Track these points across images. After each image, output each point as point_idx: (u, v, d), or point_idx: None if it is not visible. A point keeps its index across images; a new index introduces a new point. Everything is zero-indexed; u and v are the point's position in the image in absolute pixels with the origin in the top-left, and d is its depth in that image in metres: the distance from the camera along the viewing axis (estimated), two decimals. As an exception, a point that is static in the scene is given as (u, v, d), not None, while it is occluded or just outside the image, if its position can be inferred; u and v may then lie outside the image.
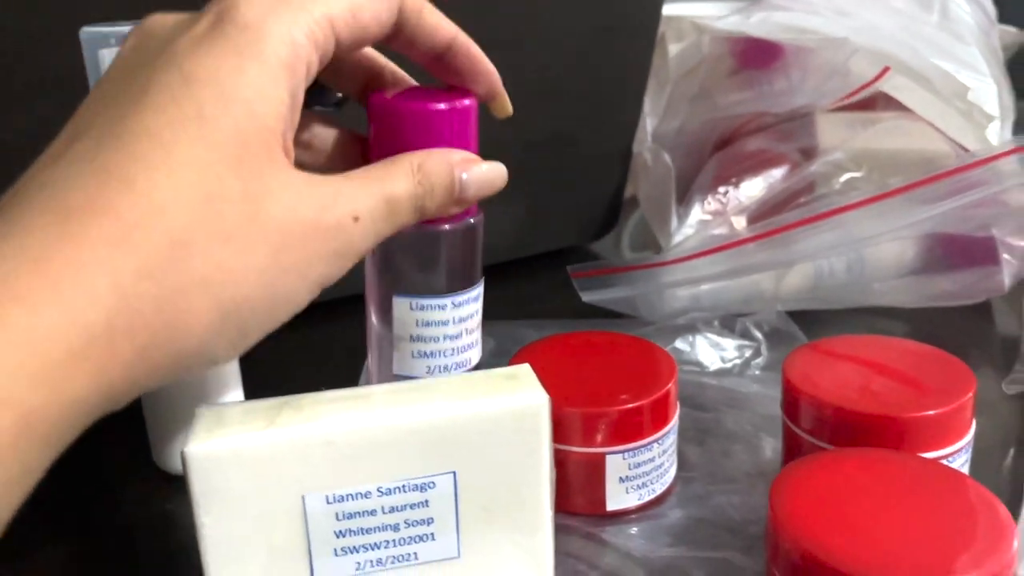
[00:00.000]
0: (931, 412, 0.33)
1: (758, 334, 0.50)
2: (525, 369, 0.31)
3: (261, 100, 0.24)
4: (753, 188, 0.57)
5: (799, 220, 0.47)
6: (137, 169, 0.22)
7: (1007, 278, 0.48)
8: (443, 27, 0.29)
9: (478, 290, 0.35)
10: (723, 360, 0.48)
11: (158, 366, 0.22)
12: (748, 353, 0.49)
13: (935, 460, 0.31)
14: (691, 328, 0.50)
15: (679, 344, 0.49)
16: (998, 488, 0.30)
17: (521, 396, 0.29)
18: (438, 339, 0.36)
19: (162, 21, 0.26)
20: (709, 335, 0.49)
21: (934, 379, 0.35)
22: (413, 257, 0.35)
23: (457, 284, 0.35)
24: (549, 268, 0.60)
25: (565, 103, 0.57)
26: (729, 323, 0.50)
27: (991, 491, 0.28)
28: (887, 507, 0.28)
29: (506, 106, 0.33)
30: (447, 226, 0.33)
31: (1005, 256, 0.48)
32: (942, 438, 0.34)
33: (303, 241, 0.24)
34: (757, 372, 0.47)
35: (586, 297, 0.51)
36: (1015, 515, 0.27)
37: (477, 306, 0.36)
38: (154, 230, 0.22)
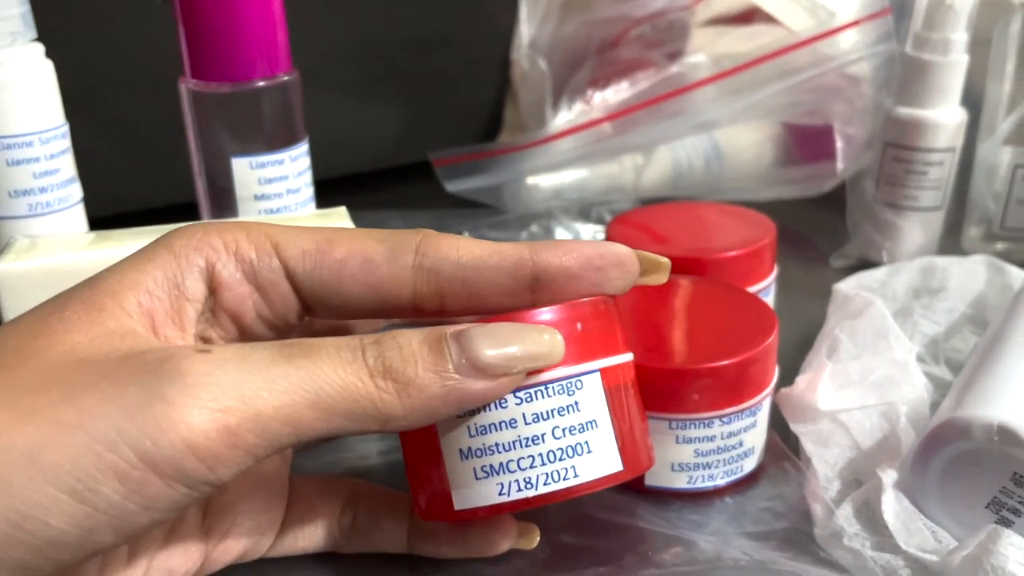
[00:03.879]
0: (731, 254, 0.36)
1: (612, 220, 0.52)
2: (340, 210, 0.33)
3: None
4: (619, 90, 0.59)
5: (645, 101, 0.50)
6: None
7: (840, 163, 0.51)
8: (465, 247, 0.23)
9: (306, 144, 0.37)
10: (576, 242, 0.51)
11: None
12: (602, 236, 0.51)
13: (722, 281, 0.34)
14: (548, 215, 0.52)
15: (535, 228, 0.51)
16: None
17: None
18: (281, 195, 0.37)
19: None
20: (565, 220, 0.52)
21: (738, 230, 0.38)
22: (239, 118, 0.37)
23: (288, 140, 0.37)
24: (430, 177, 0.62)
25: (440, 4, 0.59)
26: (585, 211, 0.53)
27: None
28: (673, 316, 0.31)
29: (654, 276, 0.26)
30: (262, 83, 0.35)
31: (839, 144, 0.51)
32: (743, 278, 0.37)
33: None
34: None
35: (450, 187, 0.53)
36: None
37: (308, 160, 0.38)
38: None
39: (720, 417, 0.29)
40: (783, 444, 0.32)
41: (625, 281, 0.24)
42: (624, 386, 0.24)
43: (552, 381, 0.23)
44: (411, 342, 0.21)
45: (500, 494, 0.22)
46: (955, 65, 0.44)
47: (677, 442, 0.29)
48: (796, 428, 0.31)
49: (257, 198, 0.37)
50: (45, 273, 0.28)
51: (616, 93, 0.60)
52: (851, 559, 0.26)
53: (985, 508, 0.26)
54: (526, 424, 0.22)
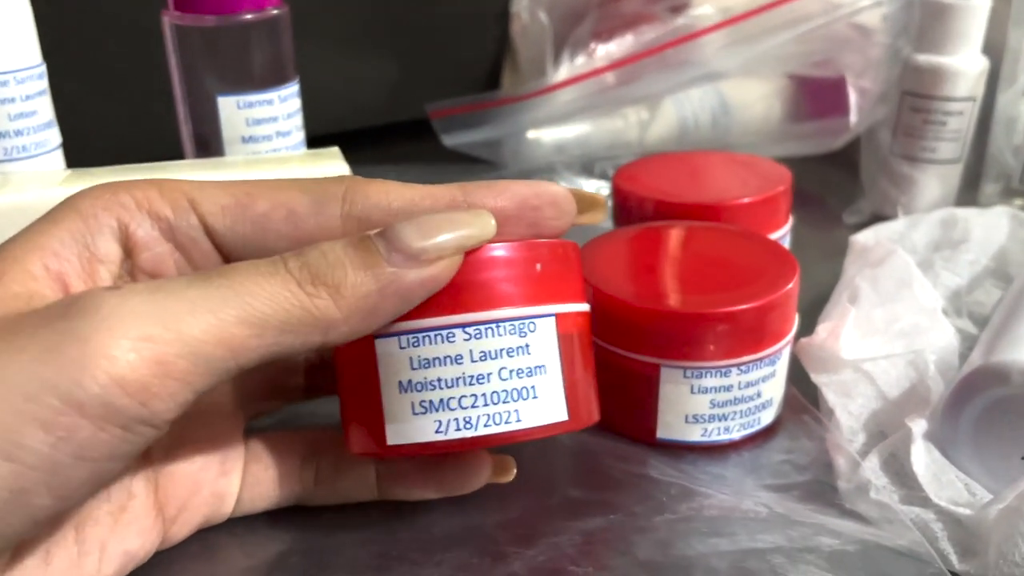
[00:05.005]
0: (746, 200, 0.35)
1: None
2: (333, 150, 0.32)
3: None
4: (622, 43, 0.57)
5: (650, 49, 0.48)
6: None
7: (853, 117, 0.49)
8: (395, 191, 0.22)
9: (296, 85, 0.35)
10: (580, 197, 0.49)
11: None
12: (606, 192, 0.49)
13: (735, 226, 0.32)
14: (550, 171, 0.50)
15: (537, 183, 0.49)
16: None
17: (321, 169, 0.30)
18: (271, 137, 0.36)
19: None
20: (567, 176, 0.50)
21: (752, 178, 0.37)
22: (226, 54, 0.35)
23: (277, 79, 0.35)
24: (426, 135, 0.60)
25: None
26: (588, 167, 0.51)
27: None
28: (691, 261, 0.30)
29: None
30: (249, 16, 0.33)
31: (853, 97, 0.49)
32: (759, 227, 0.35)
33: None
34: (610, 205, 0.48)
35: (448, 141, 0.51)
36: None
37: (298, 101, 0.36)
38: None
39: (738, 366, 0.27)
40: (802, 397, 0.30)
41: (561, 221, 0.23)
42: (578, 336, 0.23)
43: (504, 320, 0.21)
44: (334, 248, 0.20)
45: (437, 431, 0.21)
46: (977, 9, 0.42)
47: (692, 392, 0.27)
48: (817, 379, 0.29)
49: (245, 140, 0.35)
50: (18, 210, 0.26)
51: (619, 47, 0.58)
52: (878, 512, 0.25)
53: (1022, 459, 0.25)
54: (472, 361, 0.21)
